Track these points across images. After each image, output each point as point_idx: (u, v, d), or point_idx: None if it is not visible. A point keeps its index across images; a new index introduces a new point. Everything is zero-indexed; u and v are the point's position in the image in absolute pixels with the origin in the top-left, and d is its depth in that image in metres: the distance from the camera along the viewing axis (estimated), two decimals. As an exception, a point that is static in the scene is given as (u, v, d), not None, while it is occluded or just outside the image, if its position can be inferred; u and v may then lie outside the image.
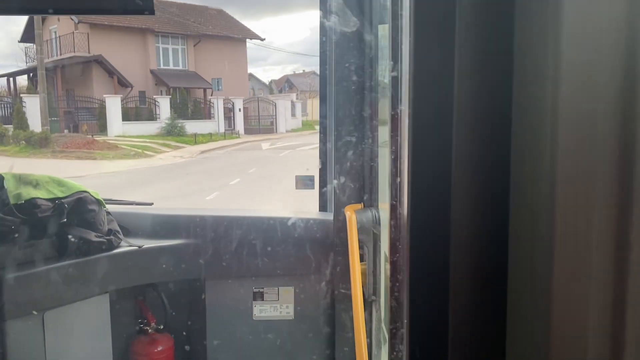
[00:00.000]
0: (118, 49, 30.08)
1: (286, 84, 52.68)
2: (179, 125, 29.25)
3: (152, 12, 2.23)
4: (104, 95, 27.98)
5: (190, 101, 33.60)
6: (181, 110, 31.42)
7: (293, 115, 36.97)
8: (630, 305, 0.59)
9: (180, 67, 35.28)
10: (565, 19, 0.57)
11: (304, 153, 20.91)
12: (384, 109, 1.94)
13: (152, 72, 33.35)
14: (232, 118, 33.13)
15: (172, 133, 28.38)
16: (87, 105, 29.04)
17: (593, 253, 0.59)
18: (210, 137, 28.84)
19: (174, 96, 32.64)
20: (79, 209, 2.41)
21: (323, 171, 2.67)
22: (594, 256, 0.59)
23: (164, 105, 30.54)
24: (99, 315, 2.47)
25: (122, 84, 31.08)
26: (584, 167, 0.58)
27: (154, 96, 31.23)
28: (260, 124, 35.12)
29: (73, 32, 29.26)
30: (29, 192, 2.32)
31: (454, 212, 0.69)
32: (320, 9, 2.51)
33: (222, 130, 30.95)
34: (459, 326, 0.69)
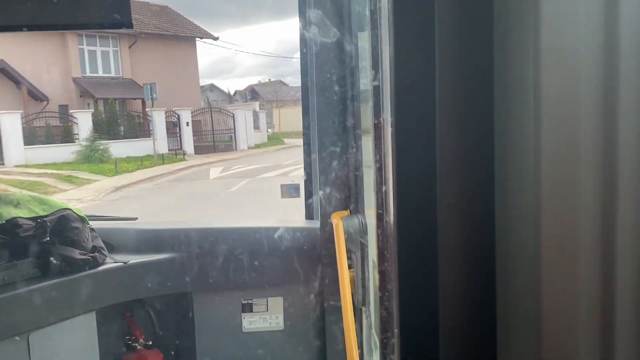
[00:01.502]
0: (27, 53, 22.94)
1: (248, 93, 47.42)
2: (101, 148, 22.21)
3: (130, 26, 2.22)
4: (-1, 112, 20.72)
5: (123, 115, 26.58)
6: (110, 127, 24.68)
7: (257, 127, 30.66)
8: (618, 304, 0.59)
9: (113, 74, 28.34)
10: (544, 23, 0.57)
11: (267, 184, 14.11)
12: (367, 118, 1.95)
13: (75, 80, 26.60)
14: (178, 134, 26.17)
15: (91, 159, 21.58)
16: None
17: (580, 253, 0.59)
18: (140, 162, 21.46)
19: (97, 110, 25.61)
20: (61, 227, 2.38)
21: (308, 180, 2.67)
22: (581, 256, 0.60)
23: (84, 122, 23.17)
24: (85, 334, 2.43)
25: (35, 96, 24.55)
26: (568, 168, 0.59)
27: (71, 111, 24.03)
28: (216, 140, 27.98)
29: (-39, 34, 22.25)
30: (10, 212, 2.28)
31: (440, 218, 0.69)
32: (300, 20, 2.52)
33: (163, 150, 24.00)
34: (450, 333, 0.69)
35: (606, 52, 0.57)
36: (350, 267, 2.19)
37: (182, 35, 30.25)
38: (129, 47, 28.49)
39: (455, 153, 0.68)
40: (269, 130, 35.76)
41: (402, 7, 0.68)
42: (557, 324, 0.60)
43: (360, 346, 2.17)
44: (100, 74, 28.01)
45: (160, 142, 24.29)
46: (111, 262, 2.48)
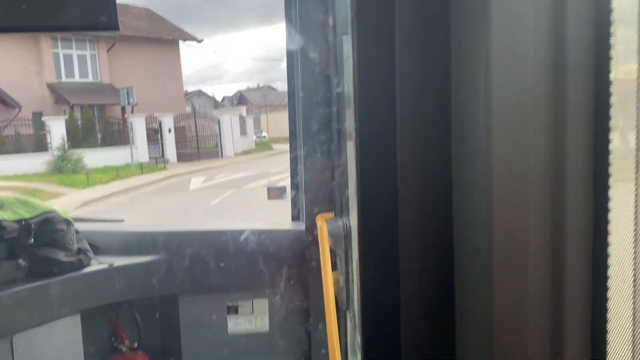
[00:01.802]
0: (-2, 58, 21.32)
1: (235, 99, 45.56)
2: (73, 157, 20.84)
3: (116, 29, 2.22)
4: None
5: (100, 122, 25.18)
6: (87, 135, 23.32)
7: (243, 133, 29.10)
8: (567, 302, 0.61)
9: (90, 79, 26.77)
10: (495, 35, 0.59)
11: (254, 199, 11.85)
12: (350, 120, 1.96)
13: (50, 86, 25.09)
14: (160, 141, 24.63)
15: (63, 169, 20.12)
16: None
17: (530, 252, 0.62)
18: (116, 173, 19.77)
19: (72, 117, 23.85)
20: (46, 229, 2.38)
21: (294, 182, 2.68)
22: (531, 255, 0.62)
23: (56, 130, 21.71)
24: (70, 336, 2.43)
25: (6, 103, 23.18)
26: (519, 168, 0.61)
27: (43, 118, 22.47)
28: (201, 147, 26.50)
29: None
30: (-6, 214, 2.28)
31: (401, 220, 0.71)
32: (286, 23, 2.53)
33: (144, 158, 22.66)
34: (411, 330, 0.71)
35: (554, 63, 0.59)
36: (334, 269, 2.20)
37: (164, 38, 28.64)
38: (108, 51, 26.94)
39: (415, 156, 0.70)
40: (262, 136, 34.83)
41: (365, 13, 0.70)
42: (509, 320, 0.62)
43: (344, 348, 2.18)
44: (77, 79, 26.40)
45: (140, 150, 22.96)
46: (96, 264, 2.49)
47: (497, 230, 0.60)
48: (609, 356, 0.62)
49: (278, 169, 17.98)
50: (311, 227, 2.44)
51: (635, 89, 0.59)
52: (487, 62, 0.58)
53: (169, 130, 25.02)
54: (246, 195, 14.26)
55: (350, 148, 2.12)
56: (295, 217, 2.74)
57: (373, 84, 0.69)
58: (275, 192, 3.01)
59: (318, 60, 2.27)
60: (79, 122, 24.23)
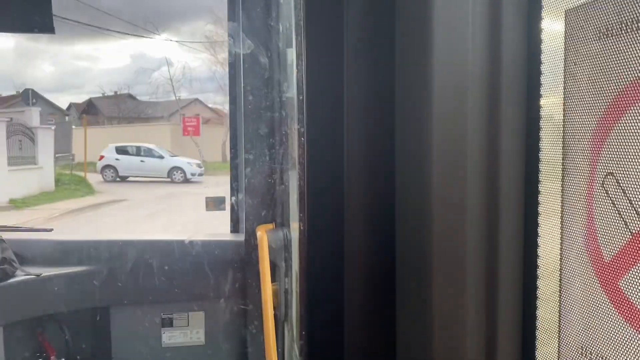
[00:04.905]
0: None
1: (84, 106, 35.30)
2: None
3: (52, 31, 2.14)
4: None
5: None
6: None
7: (24, 159, 15.90)
8: (500, 303, 0.65)
9: None
10: (435, 47, 0.63)
11: None
12: (292, 130, 1.98)
13: None
14: None
15: None
16: None
17: (467, 254, 0.65)
18: None
19: None
20: (-32, 237, 2.24)
21: (233, 193, 2.66)
22: (467, 257, 0.65)
23: None
24: None
25: None
26: (456, 169, 0.64)
27: None
28: None
29: None
30: None
31: (346, 225, 0.73)
32: (229, 34, 2.54)
33: None
34: (354, 335, 0.73)
35: (489, 75, 0.63)
36: (273, 280, 2.19)
37: None
38: None
39: (360, 163, 0.72)
40: (63, 159, 20.37)
41: (314, 24, 0.72)
42: (446, 323, 0.65)
43: (282, 356, 2.17)
44: None
45: None
46: (22, 275, 2.36)
47: (436, 236, 0.63)
48: (537, 354, 0.66)
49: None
50: (250, 237, 2.43)
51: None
52: (428, 81, 0.61)
53: None
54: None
55: (293, 157, 2.14)
56: (234, 229, 2.71)
57: (321, 90, 0.71)
58: (213, 203, 2.97)
59: (261, 70, 2.28)
60: None
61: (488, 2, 0.62)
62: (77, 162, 20.95)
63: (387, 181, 0.70)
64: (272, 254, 2.19)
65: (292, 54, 2.10)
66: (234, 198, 2.67)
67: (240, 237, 2.52)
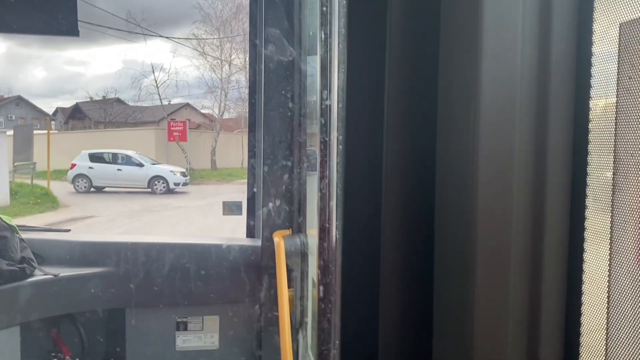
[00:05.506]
0: None
1: (70, 111, 34.24)
2: None
3: (75, 34, 2.16)
4: None
5: None
6: None
7: None
8: (544, 305, 0.64)
9: None
10: (484, 49, 0.62)
11: None
12: (314, 136, 1.98)
13: None
14: None
15: None
16: None
17: (511, 255, 0.64)
18: None
19: None
20: (-12, 236, 2.26)
21: (251, 197, 2.66)
22: (512, 258, 0.64)
23: None
24: (7, 350, 2.30)
25: None
26: (502, 171, 0.63)
27: None
28: None
29: None
30: None
31: (384, 234, 0.72)
32: (250, 39, 2.55)
33: None
34: (389, 341, 0.72)
35: (539, 71, 0.62)
36: (289, 286, 2.19)
37: None
38: None
39: (399, 170, 0.71)
40: (25, 167, 16.79)
41: (356, 34, 0.72)
42: (488, 327, 0.64)
43: None
44: None
45: None
46: (41, 275, 2.37)
47: (480, 243, 0.62)
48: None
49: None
50: (267, 243, 2.42)
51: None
52: (475, 72, 0.61)
53: None
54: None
55: (312, 163, 2.13)
56: (250, 234, 2.71)
57: (361, 96, 0.71)
58: (230, 208, 2.97)
59: (284, 77, 2.29)
60: None
61: (538, 5, 0.62)
62: (41, 171, 17.48)
63: (426, 185, 0.69)
64: (288, 260, 2.18)
65: (314, 61, 2.10)
66: (251, 203, 2.67)
67: (256, 242, 2.52)
